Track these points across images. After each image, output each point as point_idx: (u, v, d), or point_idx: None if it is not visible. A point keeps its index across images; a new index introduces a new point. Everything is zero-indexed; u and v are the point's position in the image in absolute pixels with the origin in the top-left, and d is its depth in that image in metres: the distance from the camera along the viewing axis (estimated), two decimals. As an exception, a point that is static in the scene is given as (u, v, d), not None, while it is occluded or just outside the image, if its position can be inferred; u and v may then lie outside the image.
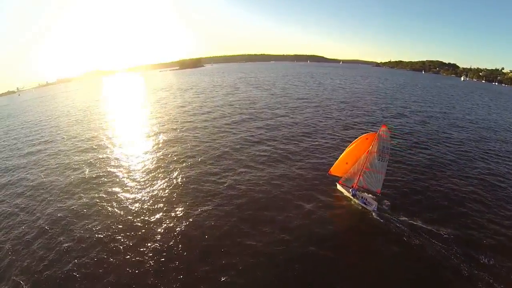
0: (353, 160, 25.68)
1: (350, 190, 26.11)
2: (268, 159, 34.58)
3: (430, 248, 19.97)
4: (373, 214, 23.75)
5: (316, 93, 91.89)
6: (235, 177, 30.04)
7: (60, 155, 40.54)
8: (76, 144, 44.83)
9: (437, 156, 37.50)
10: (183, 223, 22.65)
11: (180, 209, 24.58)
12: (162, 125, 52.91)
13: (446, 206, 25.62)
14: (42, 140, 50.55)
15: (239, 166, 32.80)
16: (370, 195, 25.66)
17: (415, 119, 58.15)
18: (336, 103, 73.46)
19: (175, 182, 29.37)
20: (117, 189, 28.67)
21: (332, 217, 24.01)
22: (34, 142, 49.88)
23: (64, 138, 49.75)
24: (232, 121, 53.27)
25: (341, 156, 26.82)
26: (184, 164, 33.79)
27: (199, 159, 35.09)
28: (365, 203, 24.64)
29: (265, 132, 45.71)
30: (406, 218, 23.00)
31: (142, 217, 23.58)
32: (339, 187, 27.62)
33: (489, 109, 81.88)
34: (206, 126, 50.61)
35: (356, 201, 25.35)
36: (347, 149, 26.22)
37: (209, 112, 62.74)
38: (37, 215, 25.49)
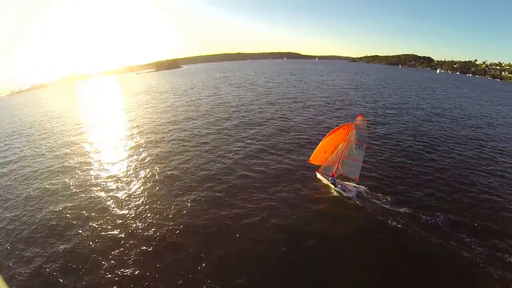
0: (331, 149, 26.31)
1: (330, 179, 26.33)
2: (268, 169, 30.97)
3: (446, 246, 18.44)
4: (354, 201, 23.78)
5: (301, 92, 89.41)
6: (239, 194, 26.01)
7: (31, 177, 34.36)
8: (50, 163, 38.30)
9: (436, 150, 37.15)
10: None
11: (184, 248, 19.93)
12: (145, 135, 47.32)
13: (457, 198, 24.85)
14: (11, 158, 43.30)
15: (240, 181, 28.83)
16: (349, 182, 25.78)
17: (409, 115, 57.35)
18: (324, 101, 71.26)
19: (173, 211, 24.59)
20: (101, 223, 23.60)
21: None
22: (2, 162, 42.72)
23: (37, 154, 43.34)
24: (222, 127, 49.06)
25: (319, 145, 27.33)
26: (180, 183, 29.13)
27: (195, 177, 30.59)
28: (344, 190, 24.93)
29: (260, 138, 42.01)
30: (408, 210, 22.20)
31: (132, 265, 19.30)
32: (318, 175, 27.88)
33: (471, 100, 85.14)
34: (194, 134, 45.87)
35: (336, 189, 25.46)
36: (325, 139, 26.74)
37: (195, 117, 58.20)
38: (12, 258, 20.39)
